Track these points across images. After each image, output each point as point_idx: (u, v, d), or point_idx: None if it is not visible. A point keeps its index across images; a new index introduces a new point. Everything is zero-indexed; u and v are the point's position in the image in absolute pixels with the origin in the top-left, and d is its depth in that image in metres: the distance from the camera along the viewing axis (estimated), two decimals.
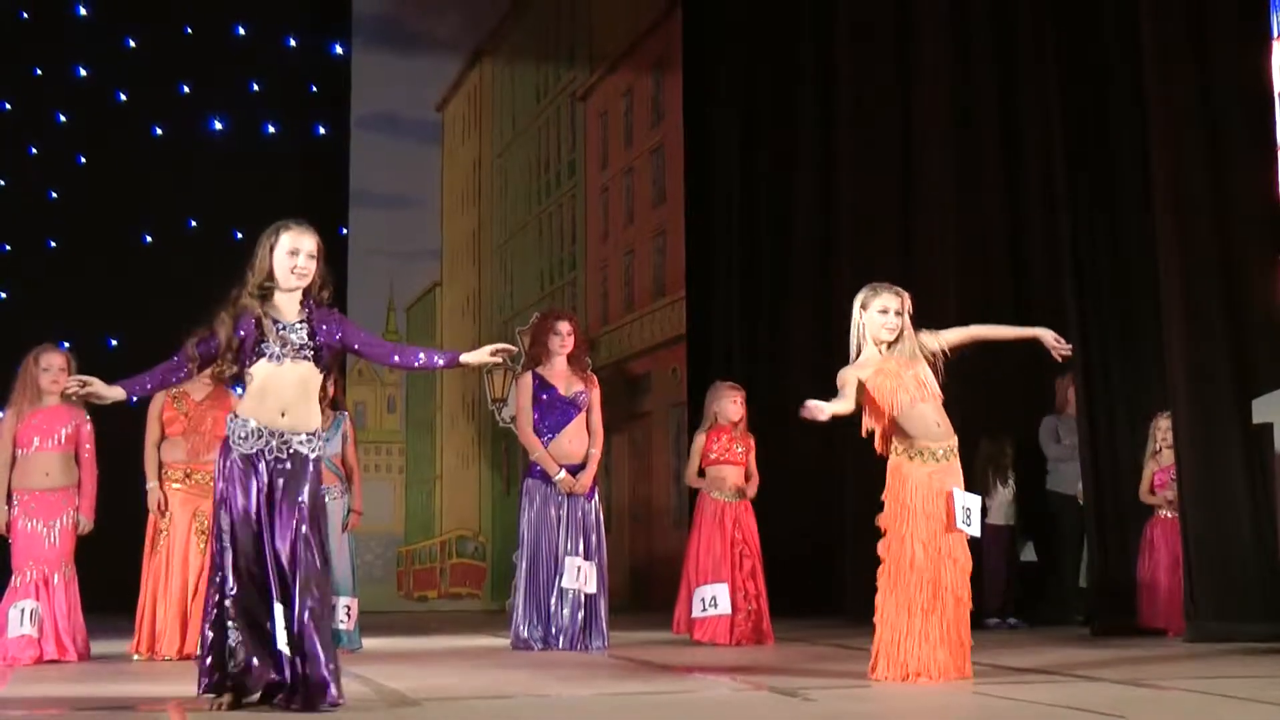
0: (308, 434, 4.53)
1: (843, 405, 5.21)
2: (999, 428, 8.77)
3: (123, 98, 11.94)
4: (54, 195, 11.78)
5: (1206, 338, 6.95)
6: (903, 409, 5.24)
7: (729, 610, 7.39)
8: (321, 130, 12.42)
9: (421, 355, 4.85)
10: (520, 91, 13.10)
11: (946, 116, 9.16)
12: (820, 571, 9.85)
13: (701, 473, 7.75)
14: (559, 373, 7.33)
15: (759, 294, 10.98)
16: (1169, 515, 7.61)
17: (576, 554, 7.15)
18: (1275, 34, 7.29)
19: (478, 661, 6.70)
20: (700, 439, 7.76)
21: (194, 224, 11.86)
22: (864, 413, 5.35)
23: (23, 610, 6.65)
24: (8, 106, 11.78)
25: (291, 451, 4.48)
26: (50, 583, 6.74)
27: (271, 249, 4.59)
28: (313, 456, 4.53)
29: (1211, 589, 6.82)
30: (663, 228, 12.39)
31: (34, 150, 11.79)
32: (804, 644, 7.33)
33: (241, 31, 12.26)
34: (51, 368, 6.79)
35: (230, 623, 4.37)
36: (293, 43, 12.46)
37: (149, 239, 11.90)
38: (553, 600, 7.10)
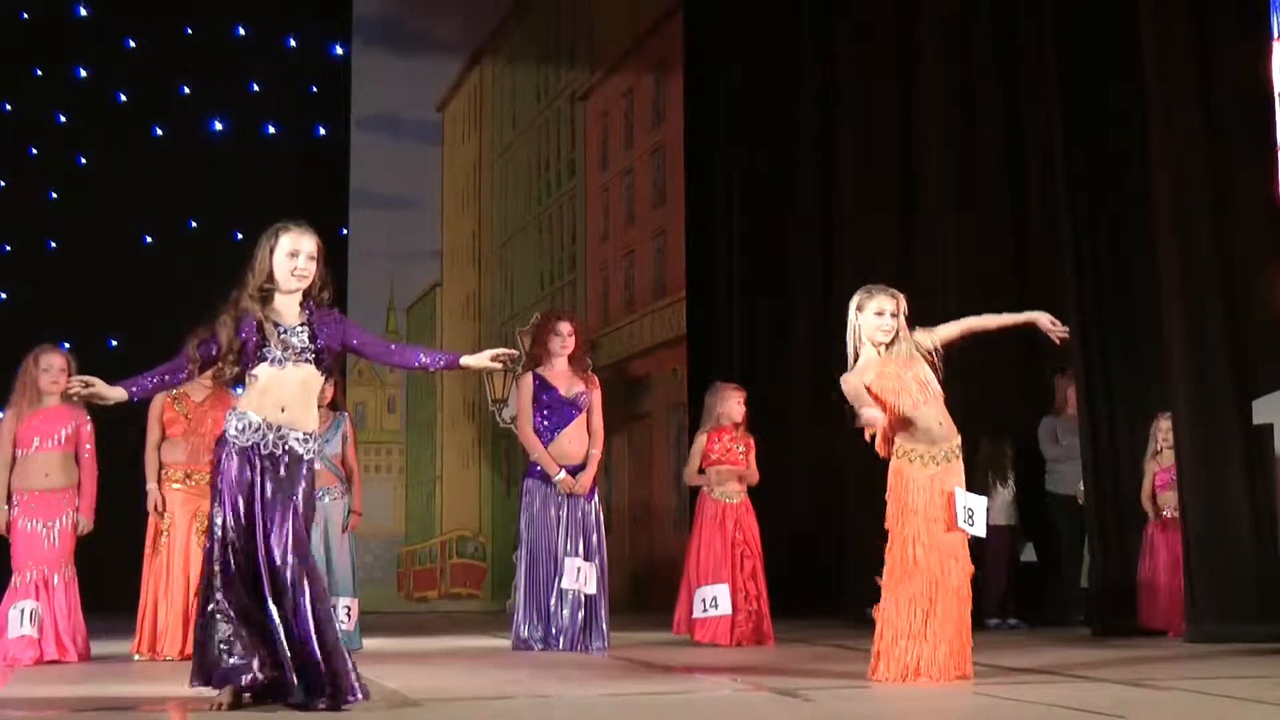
0: (305, 433, 4.53)
1: (878, 413, 5.19)
2: (999, 428, 8.77)
3: (123, 98, 11.95)
4: (54, 196, 11.80)
5: (1206, 338, 6.95)
6: (906, 412, 5.24)
7: (730, 611, 7.39)
8: (322, 131, 12.43)
9: (422, 356, 4.85)
10: (521, 92, 13.10)
11: (946, 116, 9.16)
12: (820, 572, 9.85)
13: (701, 473, 7.75)
14: (560, 373, 7.32)
15: (759, 295, 10.98)
16: (1170, 515, 7.61)
17: (576, 554, 7.15)
18: (1275, 34, 7.28)
19: (478, 662, 6.70)
20: (702, 439, 7.75)
21: (194, 224, 11.87)
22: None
23: (23, 611, 6.65)
24: (8, 107, 11.79)
25: (287, 447, 4.49)
26: (50, 583, 6.74)
27: (271, 250, 4.59)
28: (308, 458, 4.53)
29: (1212, 589, 6.82)
30: (663, 228, 12.39)
31: (34, 151, 11.80)
32: (804, 644, 7.33)
33: (242, 32, 12.27)
34: (51, 368, 6.80)
35: (220, 617, 4.36)
36: (293, 43, 12.47)
37: (149, 239, 11.91)
38: (552, 601, 7.10)
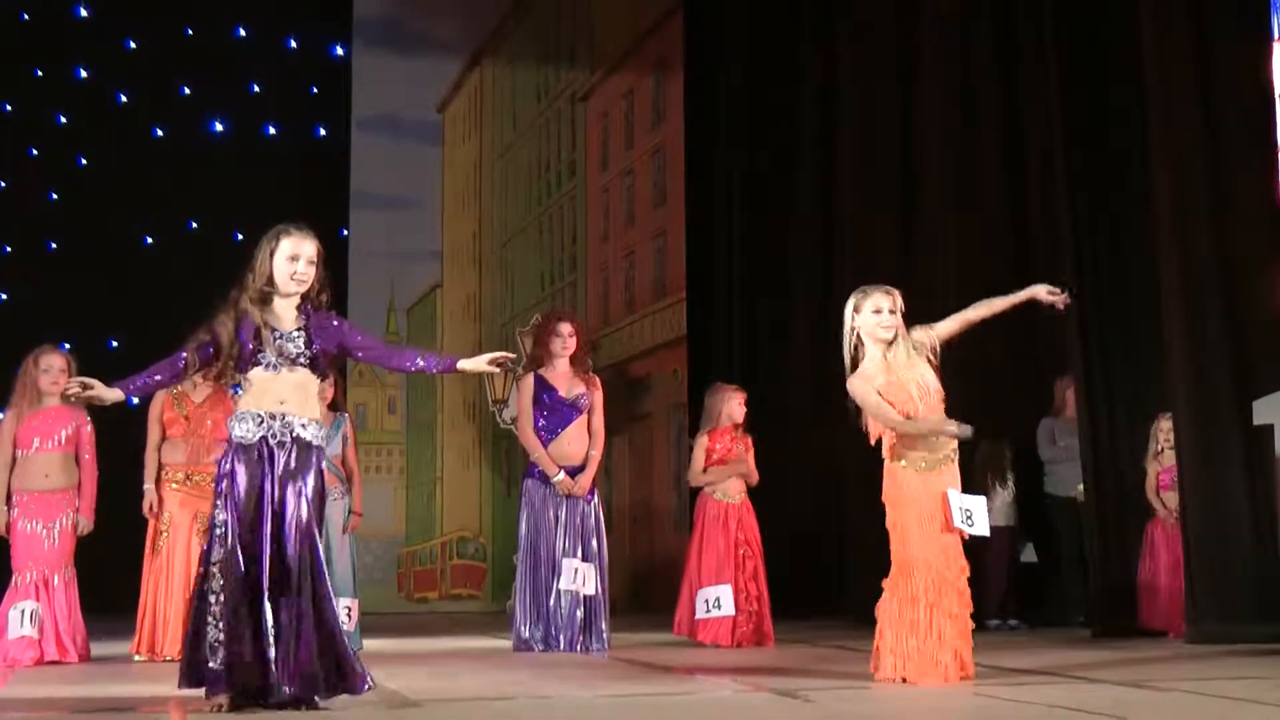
0: (309, 418, 4.54)
1: (911, 423, 5.18)
2: (998, 429, 8.76)
3: (123, 99, 11.94)
4: (54, 196, 11.78)
5: (1206, 338, 6.95)
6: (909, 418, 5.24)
7: (733, 611, 7.39)
8: (322, 131, 12.42)
9: (419, 359, 4.85)
10: (521, 92, 13.09)
11: (947, 116, 9.16)
12: (820, 572, 9.85)
13: (703, 472, 7.75)
14: (561, 374, 7.33)
15: (759, 295, 10.98)
16: (1170, 516, 7.61)
17: (575, 556, 7.15)
18: (1276, 35, 7.29)
19: (478, 663, 6.71)
20: (705, 439, 7.75)
21: (194, 225, 11.85)
22: (870, 420, 5.34)
23: (23, 611, 6.65)
24: (8, 108, 11.78)
25: (294, 435, 4.50)
26: (50, 584, 6.75)
27: (272, 254, 4.59)
28: (316, 444, 4.54)
29: (1212, 590, 6.82)
30: (663, 229, 12.39)
31: (34, 151, 11.79)
32: (804, 645, 7.33)
33: (242, 33, 12.26)
34: (51, 369, 6.80)
35: (210, 620, 4.37)
36: (293, 44, 12.46)
37: (149, 240, 11.90)
38: (552, 601, 7.10)
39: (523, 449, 7.51)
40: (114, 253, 11.54)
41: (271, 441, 4.48)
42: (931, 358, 5.32)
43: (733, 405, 7.74)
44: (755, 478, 7.74)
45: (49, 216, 11.70)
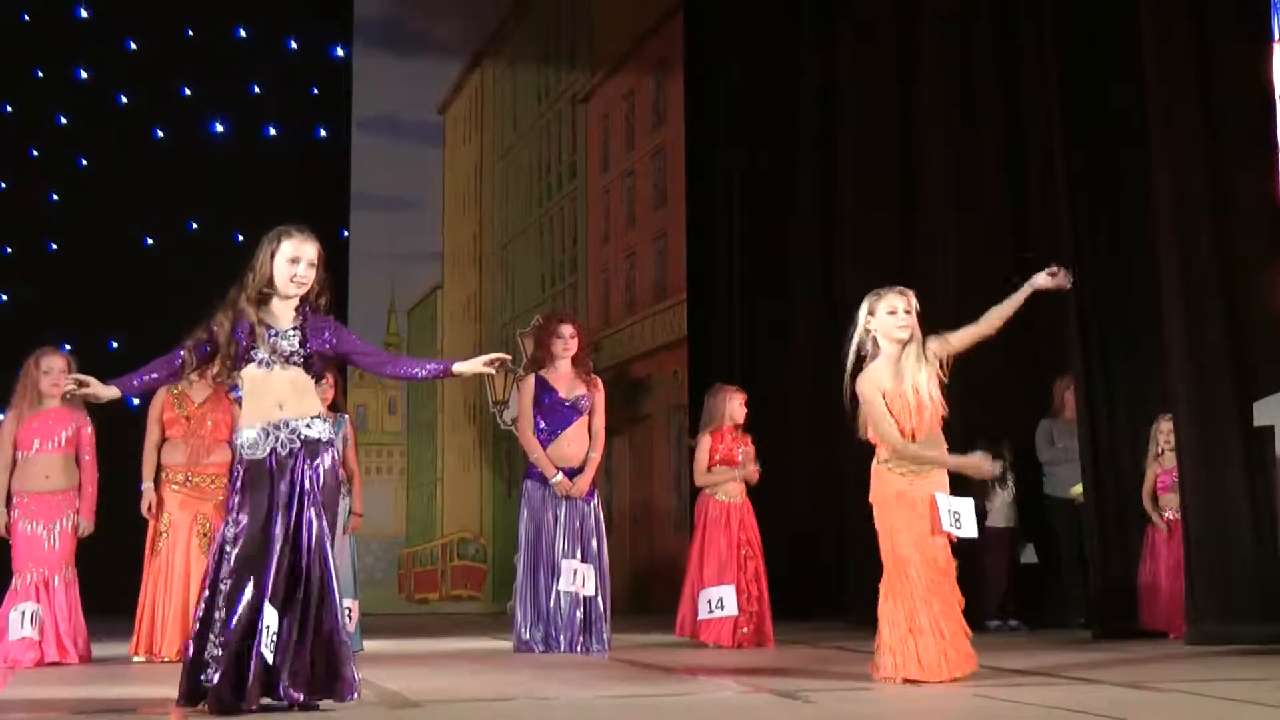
0: (311, 417, 4.53)
1: (913, 449, 5.20)
2: (998, 430, 8.74)
3: (124, 100, 11.95)
4: (55, 197, 11.79)
5: (1206, 338, 6.94)
6: (907, 437, 5.25)
7: (736, 612, 7.39)
8: (322, 132, 12.42)
9: (416, 369, 4.84)
10: (521, 94, 13.10)
11: (947, 116, 9.15)
12: (820, 572, 9.85)
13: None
14: (562, 376, 7.33)
15: (760, 296, 10.98)
16: (1171, 517, 7.60)
17: (575, 557, 7.15)
18: (1276, 35, 7.28)
19: (479, 664, 6.71)
20: (708, 439, 7.75)
21: (195, 226, 11.86)
22: (865, 419, 5.35)
23: (23, 613, 6.66)
24: (9, 108, 11.79)
25: (302, 437, 4.49)
26: (51, 585, 6.75)
27: (273, 255, 4.59)
28: (325, 439, 4.54)
29: (1212, 591, 6.81)
30: (664, 230, 12.39)
31: (35, 152, 11.80)
32: (805, 646, 7.33)
33: (242, 34, 12.27)
34: (52, 370, 6.80)
35: (213, 636, 4.36)
36: (294, 45, 12.47)
37: (150, 241, 11.90)
38: (552, 602, 7.10)
39: (523, 450, 7.51)
40: (114, 253, 11.55)
41: (281, 451, 4.48)
42: (941, 372, 5.31)
43: (734, 405, 7.75)
44: (756, 477, 7.75)
45: (49, 217, 11.71)
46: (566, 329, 7.35)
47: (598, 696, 5.07)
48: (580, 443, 7.29)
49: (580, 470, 7.26)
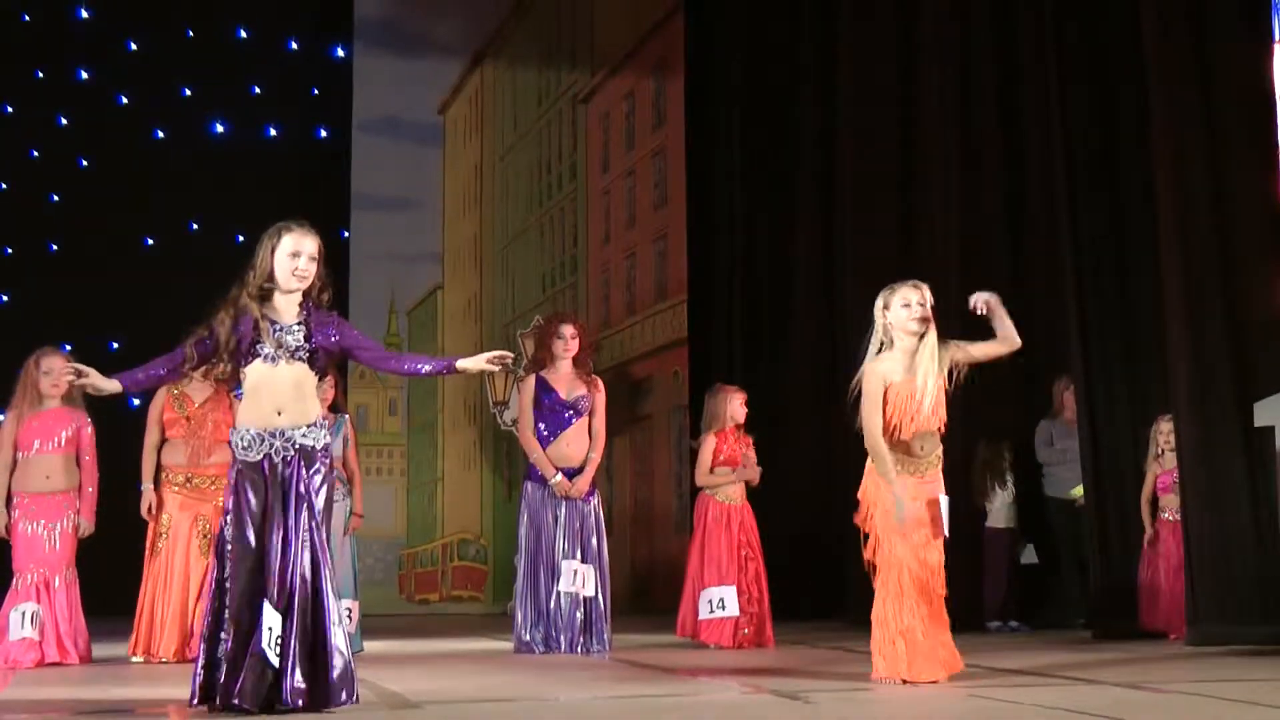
0: (308, 426, 4.53)
1: (883, 466, 5.22)
2: (997, 431, 8.76)
3: (124, 100, 11.94)
4: (55, 198, 11.78)
5: (1207, 339, 6.94)
6: (903, 432, 5.25)
7: (737, 612, 7.39)
8: (323, 133, 12.42)
9: (419, 364, 4.85)
10: (522, 94, 13.10)
11: (947, 117, 9.15)
12: (820, 572, 9.84)
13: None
14: (562, 376, 7.33)
15: (761, 297, 10.98)
16: (1171, 518, 7.60)
17: (574, 557, 7.15)
18: (1276, 36, 7.28)
19: (479, 664, 6.71)
20: (712, 440, 7.74)
21: (195, 227, 11.85)
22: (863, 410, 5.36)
23: (24, 613, 6.66)
24: (9, 109, 11.78)
25: (296, 446, 4.49)
26: (51, 585, 6.75)
27: (273, 250, 4.60)
28: (320, 446, 4.53)
29: (1213, 591, 6.81)
30: (664, 230, 12.39)
31: (35, 153, 11.79)
32: (805, 647, 7.34)
33: (243, 34, 12.26)
34: (52, 370, 6.80)
35: (223, 635, 4.37)
36: (294, 45, 12.46)
37: (150, 242, 11.90)
38: (553, 603, 7.10)
39: (523, 450, 7.51)
40: (115, 254, 11.53)
41: (275, 458, 4.48)
42: (957, 372, 5.31)
43: (735, 405, 7.76)
44: (757, 477, 7.75)
45: (50, 218, 11.70)
46: (567, 329, 7.35)
47: (598, 697, 5.07)
48: (580, 443, 7.29)
49: (580, 471, 7.26)
